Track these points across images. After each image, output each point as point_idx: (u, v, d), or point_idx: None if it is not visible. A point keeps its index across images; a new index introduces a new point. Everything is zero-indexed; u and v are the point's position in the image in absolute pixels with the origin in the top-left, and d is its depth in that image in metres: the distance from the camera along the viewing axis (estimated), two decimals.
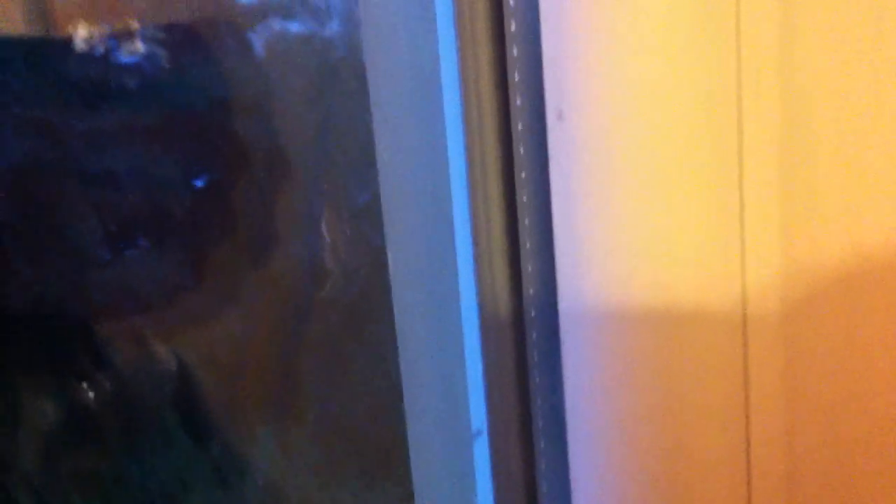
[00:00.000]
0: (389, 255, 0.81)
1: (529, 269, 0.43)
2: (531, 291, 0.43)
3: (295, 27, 0.84)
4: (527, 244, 0.43)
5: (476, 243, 0.46)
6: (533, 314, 0.43)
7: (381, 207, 0.79)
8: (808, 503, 0.41)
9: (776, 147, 0.37)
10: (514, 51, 0.41)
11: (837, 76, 0.37)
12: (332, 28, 0.86)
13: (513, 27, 0.41)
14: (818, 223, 0.38)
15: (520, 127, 0.41)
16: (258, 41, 0.84)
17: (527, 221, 0.43)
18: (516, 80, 0.41)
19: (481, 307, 0.46)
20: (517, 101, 0.41)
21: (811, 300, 0.39)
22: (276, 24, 0.85)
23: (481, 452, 0.47)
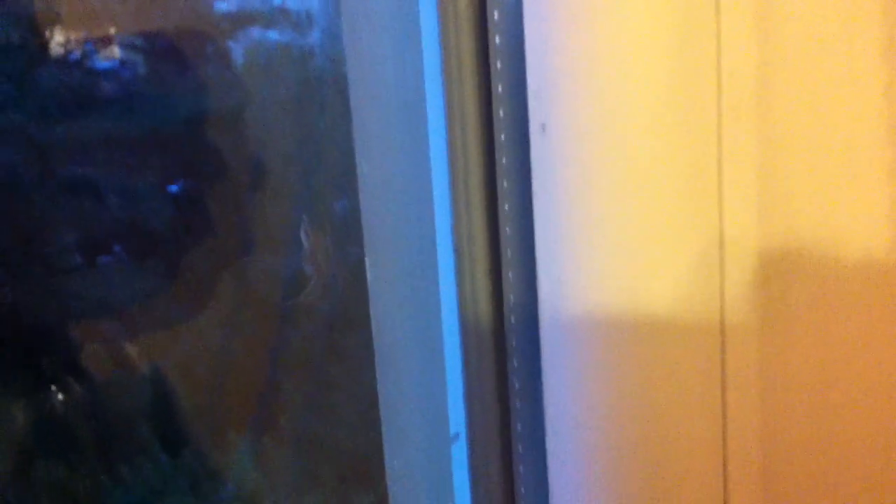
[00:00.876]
0: (368, 263, 0.82)
1: (510, 276, 0.44)
2: (511, 298, 0.44)
3: (274, 36, 0.85)
4: (508, 252, 0.44)
5: (458, 251, 0.47)
6: (513, 321, 0.44)
7: (361, 216, 0.80)
8: (784, 489, 0.43)
9: (754, 156, 0.39)
10: (497, 64, 0.42)
11: (814, 82, 0.39)
12: (313, 37, 0.87)
13: (497, 41, 0.42)
14: (796, 233, 0.40)
15: (502, 138, 0.43)
16: (237, 49, 0.85)
17: (508, 230, 0.44)
18: (499, 92, 0.42)
19: (462, 314, 0.47)
20: (500, 112, 0.42)
21: (788, 308, 0.41)
22: (256, 33, 0.86)
23: (459, 456, 0.48)
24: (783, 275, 0.40)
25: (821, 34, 0.38)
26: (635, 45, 0.37)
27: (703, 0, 0.38)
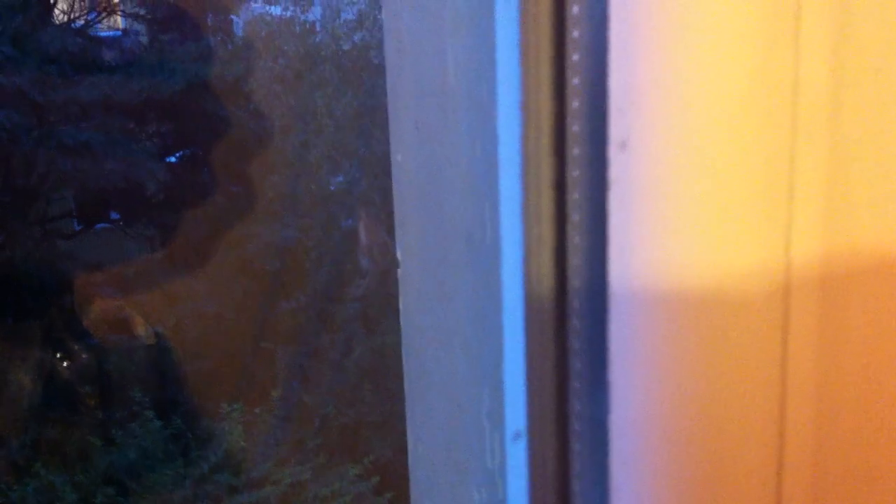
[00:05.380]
0: (399, 254, 0.84)
1: (575, 261, 0.46)
2: (576, 296, 0.46)
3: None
4: (574, 258, 0.46)
5: (526, 252, 0.49)
6: (576, 306, 0.46)
7: (394, 207, 0.82)
8: (839, 484, 0.46)
9: (825, 169, 0.41)
10: (574, 80, 0.44)
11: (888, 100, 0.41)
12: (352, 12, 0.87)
13: (574, 57, 0.44)
14: (863, 225, 0.42)
15: (576, 152, 0.45)
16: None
17: (577, 239, 0.46)
18: (574, 107, 0.44)
19: (527, 305, 0.49)
20: (574, 127, 0.45)
21: (853, 291, 0.43)
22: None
23: (518, 453, 0.50)
24: (849, 261, 0.43)
25: None
26: (718, 63, 0.40)
27: (784, 17, 0.40)
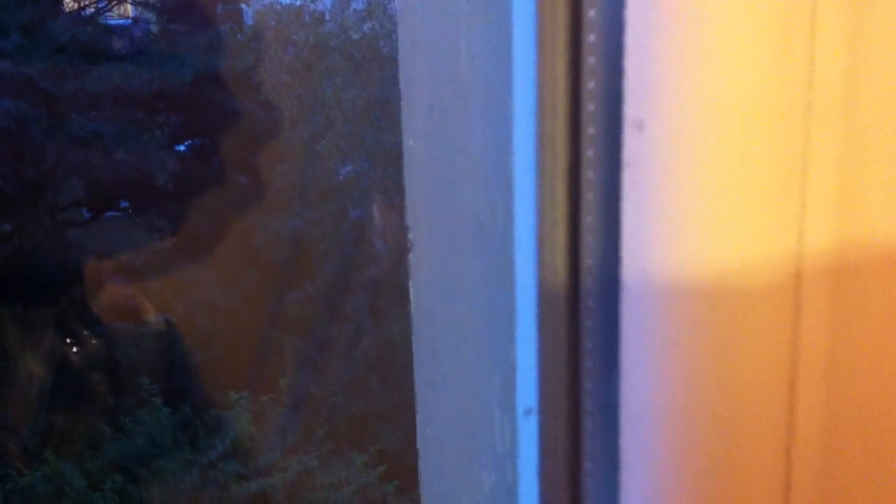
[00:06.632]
0: (411, 238, 0.84)
1: (589, 243, 0.46)
2: (589, 281, 0.47)
3: None
4: (588, 239, 0.46)
5: (540, 237, 0.49)
6: (590, 286, 0.47)
7: (406, 191, 0.82)
8: (847, 472, 0.46)
9: (838, 156, 0.41)
10: (590, 60, 0.44)
11: None
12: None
13: (591, 38, 0.44)
14: (875, 216, 0.43)
15: (591, 132, 0.45)
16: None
17: (590, 218, 0.46)
18: (590, 87, 0.45)
19: (541, 288, 0.49)
20: (589, 107, 0.45)
21: (864, 281, 0.44)
22: None
23: (529, 431, 0.51)
24: (860, 256, 0.43)
25: None
26: (735, 48, 0.40)
27: (801, 6, 0.40)
